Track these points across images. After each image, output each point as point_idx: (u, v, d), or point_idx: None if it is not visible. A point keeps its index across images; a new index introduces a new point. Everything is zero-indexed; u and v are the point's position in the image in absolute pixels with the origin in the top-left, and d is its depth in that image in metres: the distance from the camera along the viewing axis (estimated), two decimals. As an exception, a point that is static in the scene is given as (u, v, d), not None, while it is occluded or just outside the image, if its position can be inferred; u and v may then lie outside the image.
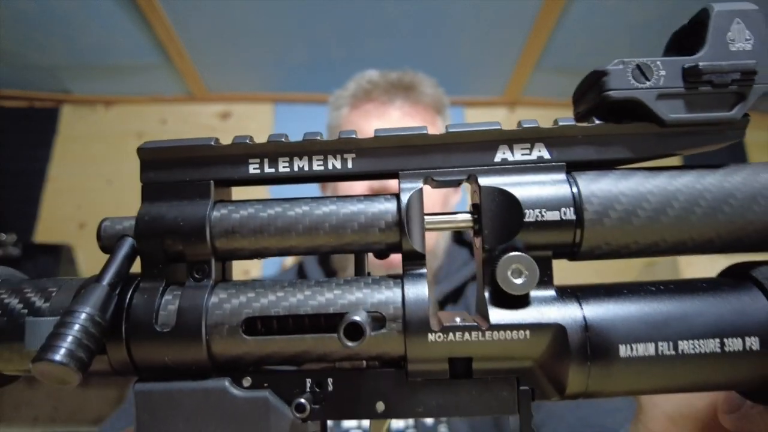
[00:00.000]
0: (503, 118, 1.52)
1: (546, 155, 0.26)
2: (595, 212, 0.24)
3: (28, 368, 0.22)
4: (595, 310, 0.24)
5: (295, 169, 0.26)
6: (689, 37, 0.25)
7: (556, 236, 0.25)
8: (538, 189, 0.25)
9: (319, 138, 0.26)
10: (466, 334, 0.24)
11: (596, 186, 0.25)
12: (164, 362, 0.25)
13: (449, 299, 0.84)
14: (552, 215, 0.25)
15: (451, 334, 0.24)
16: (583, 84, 0.27)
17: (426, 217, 0.26)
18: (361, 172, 0.26)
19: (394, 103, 0.86)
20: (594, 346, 0.23)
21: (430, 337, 0.24)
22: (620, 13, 1.62)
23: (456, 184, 0.27)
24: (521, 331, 0.24)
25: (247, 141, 0.26)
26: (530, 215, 0.25)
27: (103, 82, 2.04)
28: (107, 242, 0.27)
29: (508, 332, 0.24)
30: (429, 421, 0.72)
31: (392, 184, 0.26)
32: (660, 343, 0.23)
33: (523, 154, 0.26)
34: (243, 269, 1.78)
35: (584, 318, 0.24)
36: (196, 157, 0.27)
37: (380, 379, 0.25)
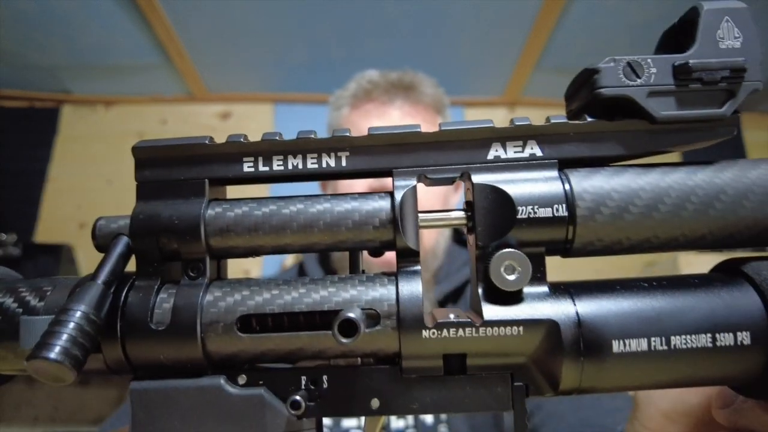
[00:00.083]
0: (503, 118, 1.52)
1: (538, 152, 0.26)
2: (587, 209, 0.24)
3: (24, 367, 0.22)
4: (588, 306, 0.24)
5: (290, 167, 0.26)
6: (679, 35, 0.26)
7: (549, 233, 0.25)
8: (531, 186, 0.25)
9: (312, 136, 0.26)
10: (460, 331, 0.24)
11: (588, 183, 0.25)
12: (159, 360, 0.25)
13: (449, 299, 0.84)
14: (544, 212, 0.25)
15: (445, 331, 0.24)
16: (575, 82, 0.27)
17: (420, 214, 0.26)
18: (355, 170, 0.27)
19: (394, 103, 0.86)
20: (587, 341, 0.23)
21: (425, 333, 0.24)
22: (620, 13, 1.62)
23: (449, 181, 0.27)
24: (515, 327, 0.24)
25: (242, 140, 0.26)
26: (523, 212, 0.25)
27: (103, 82, 2.04)
28: (102, 241, 0.27)
29: (502, 328, 0.24)
30: (429, 421, 0.72)
31: (391, 182, 0.26)
32: (653, 339, 0.23)
33: (515, 152, 0.26)
34: (243, 269, 1.77)
35: (577, 314, 0.24)
36: (190, 156, 0.27)
37: (375, 376, 0.25)
